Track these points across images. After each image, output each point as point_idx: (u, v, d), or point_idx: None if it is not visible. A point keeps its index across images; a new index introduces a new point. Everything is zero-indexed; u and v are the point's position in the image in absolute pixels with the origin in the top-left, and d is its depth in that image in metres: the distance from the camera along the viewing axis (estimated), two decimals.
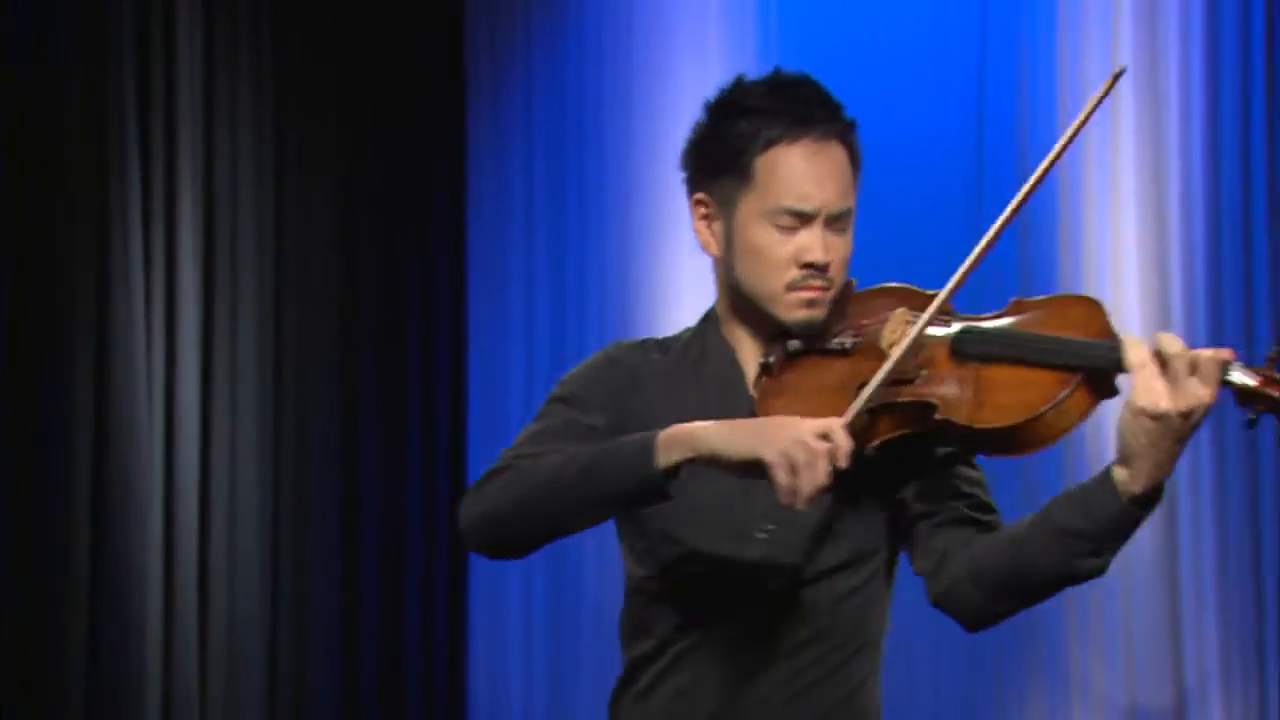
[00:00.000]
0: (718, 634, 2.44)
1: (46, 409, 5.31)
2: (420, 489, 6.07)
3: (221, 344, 5.65)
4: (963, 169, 5.07)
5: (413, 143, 6.16)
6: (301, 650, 5.80)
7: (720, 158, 2.45)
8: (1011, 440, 2.24)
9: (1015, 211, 2.31)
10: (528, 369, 5.96)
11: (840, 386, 2.34)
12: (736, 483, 2.32)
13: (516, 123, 6.06)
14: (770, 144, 2.41)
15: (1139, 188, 4.88)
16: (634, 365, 2.53)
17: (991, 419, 2.24)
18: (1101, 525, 2.22)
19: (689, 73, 5.48)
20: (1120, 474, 2.21)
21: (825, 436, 2.22)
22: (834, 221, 2.42)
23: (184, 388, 5.53)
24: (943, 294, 2.31)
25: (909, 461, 2.41)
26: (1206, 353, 2.16)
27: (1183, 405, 2.15)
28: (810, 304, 2.42)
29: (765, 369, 2.45)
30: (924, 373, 2.31)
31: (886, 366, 2.28)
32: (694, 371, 2.52)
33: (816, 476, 2.20)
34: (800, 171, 2.41)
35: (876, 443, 2.32)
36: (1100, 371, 2.22)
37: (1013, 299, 2.36)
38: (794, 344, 2.44)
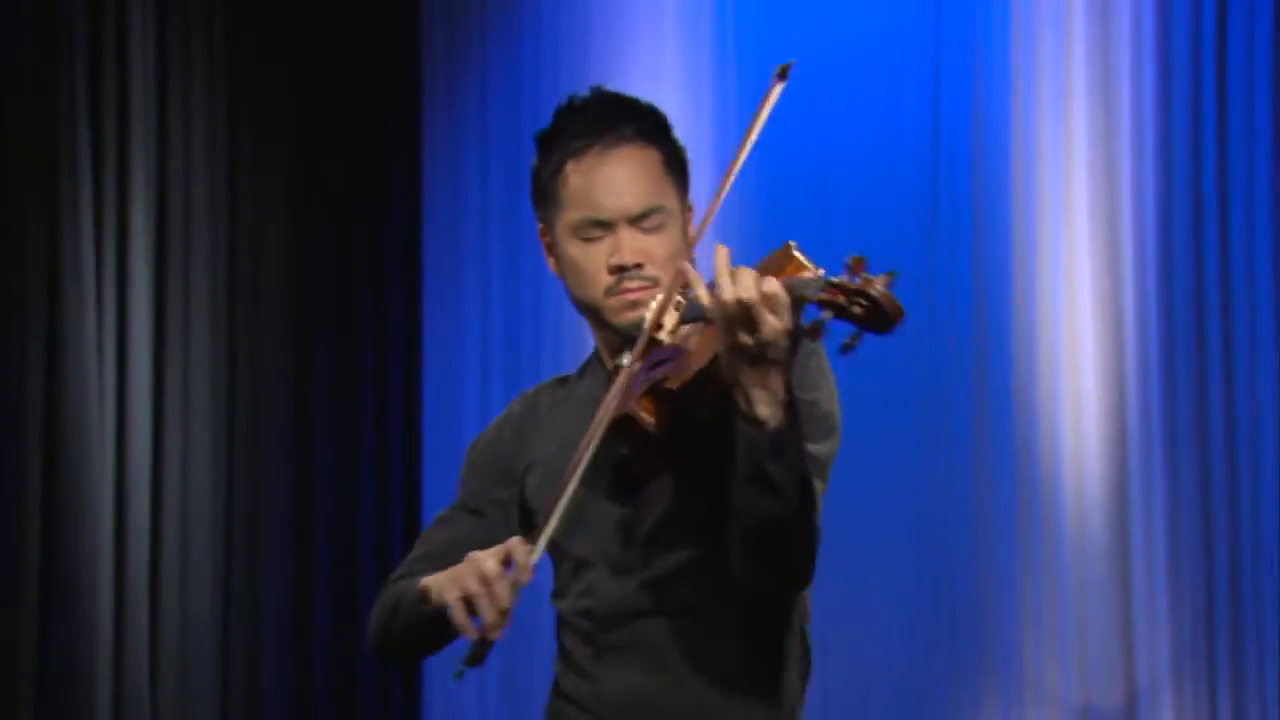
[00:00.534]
0: (610, 639, 2.47)
1: None
2: (373, 490, 6.06)
3: (174, 344, 5.63)
4: (918, 170, 5.07)
5: (367, 142, 6.15)
6: (254, 651, 5.79)
7: (537, 189, 2.59)
8: (705, 384, 2.28)
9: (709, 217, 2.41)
10: (483, 370, 5.95)
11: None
12: (628, 500, 2.41)
13: (472, 123, 6.05)
14: (562, 164, 2.53)
15: (1091, 189, 4.90)
16: (528, 409, 2.65)
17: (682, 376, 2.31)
18: (750, 458, 2.23)
19: (646, 74, 5.47)
20: (741, 408, 2.23)
21: (506, 561, 2.32)
22: (640, 221, 2.49)
23: (136, 388, 5.51)
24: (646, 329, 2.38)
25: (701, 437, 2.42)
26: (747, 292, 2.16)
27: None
28: (634, 305, 2.48)
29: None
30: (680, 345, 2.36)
31: (575, 477, 2.35)
32: (577, 396, 2.60)
33: (497, 603, 2.31)
34: (589, 182, 2.51)
35: (667, 427, 2.34)
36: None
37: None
38: (622, 358, 2.44)
